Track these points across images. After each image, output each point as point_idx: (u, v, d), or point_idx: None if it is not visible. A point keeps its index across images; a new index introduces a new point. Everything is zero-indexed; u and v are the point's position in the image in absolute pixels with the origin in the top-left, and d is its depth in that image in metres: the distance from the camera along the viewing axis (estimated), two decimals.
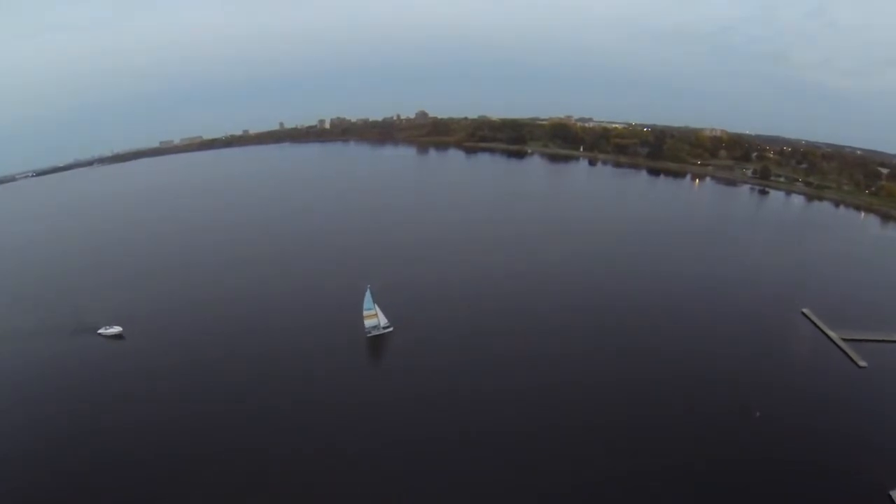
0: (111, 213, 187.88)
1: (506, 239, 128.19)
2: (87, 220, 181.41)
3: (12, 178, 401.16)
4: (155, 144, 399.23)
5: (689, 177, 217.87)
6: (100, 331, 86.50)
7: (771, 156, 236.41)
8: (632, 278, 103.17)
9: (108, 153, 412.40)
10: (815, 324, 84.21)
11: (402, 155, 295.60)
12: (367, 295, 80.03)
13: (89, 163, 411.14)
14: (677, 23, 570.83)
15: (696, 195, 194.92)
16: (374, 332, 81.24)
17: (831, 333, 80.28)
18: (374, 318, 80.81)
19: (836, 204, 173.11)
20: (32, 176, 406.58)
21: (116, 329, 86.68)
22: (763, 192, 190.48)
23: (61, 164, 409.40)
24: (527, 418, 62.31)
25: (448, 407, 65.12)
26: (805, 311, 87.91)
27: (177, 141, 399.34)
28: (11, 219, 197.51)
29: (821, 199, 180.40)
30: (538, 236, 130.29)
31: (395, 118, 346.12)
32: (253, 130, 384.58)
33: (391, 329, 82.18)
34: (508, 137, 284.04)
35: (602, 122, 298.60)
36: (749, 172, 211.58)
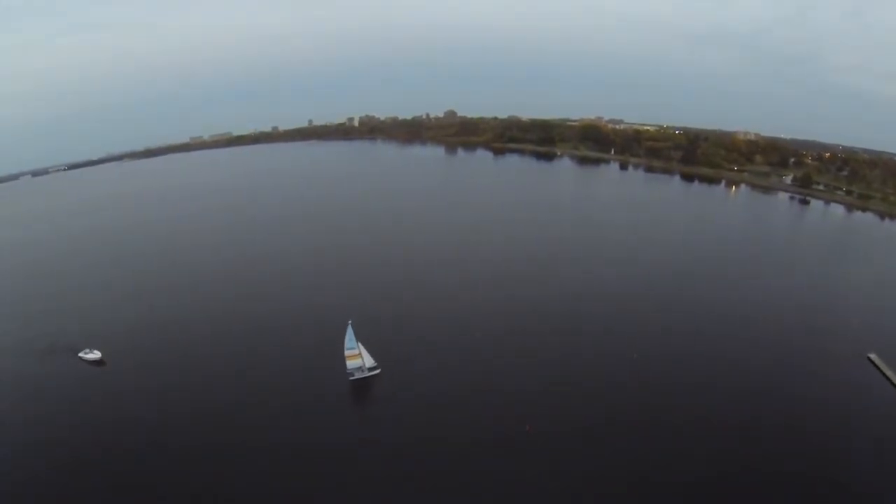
0: (112, 217, 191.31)
1: (526, 257, 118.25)
2: (83, 223, 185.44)
3: (45, 172, 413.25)
4: (185, 140, 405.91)
5: (724, 183, 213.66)
6: (80, 354, 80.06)
7: (810, 162, 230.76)
8: (669, 309, 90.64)
9: (139, 148, 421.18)
10: (884, 374, 69.52)
11: (426, 156, 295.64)
12: (349, 331, 68.97)
13: (119, 157, 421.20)
14: (710, 24, 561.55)
15: (733, 205, 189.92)
16: (359, 375, 70.11)
17: None
18: (358, 358, 69.64)
19: (882, 216, 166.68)
20: (65, 169, 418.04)
21: (96, 354, 79.81)
22: (804, 202, 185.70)
23: (94, 159, 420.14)
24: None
25: (447, 478, 53.00)
26: (871, 356, 72.52)
27: (206, 137, 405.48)
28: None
29: (864, 209, 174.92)
30: (563, 254, 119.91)
31: (424, 117, 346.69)
32: (282, 128, 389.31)
33: (378, 371, 71.21)
34: (538, 138, 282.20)
35: (633, 124, 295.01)
36: (788, 180, 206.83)
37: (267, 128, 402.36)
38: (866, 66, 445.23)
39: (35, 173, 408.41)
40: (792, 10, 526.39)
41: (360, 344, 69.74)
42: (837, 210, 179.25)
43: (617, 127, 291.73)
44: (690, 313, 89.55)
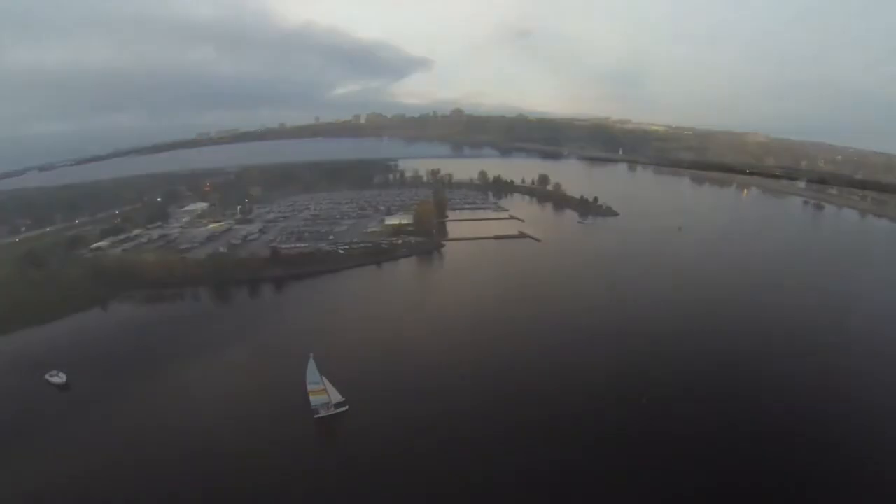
0: None
1: (514, 274, 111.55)
2: None
3: (52, 167, 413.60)
4: (193, 136, 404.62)
5: (734, 185, 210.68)
6: (46, 376, 74.66)
7: (822, 164, 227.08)
8: (671, 311, 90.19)
9: (147, 143, 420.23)
10: None
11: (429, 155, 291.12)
12: (311, 365, 63.63)
13: (127, 153, 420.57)
14: (711, 24, 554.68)
15: (748, 208, 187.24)
16: (324, 413, 64.59)
17: None
18: (323, 393, 64.21)
19: None
20: (72, 164, 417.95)
21: (61, 378, 74.32)
22: (818, 207, 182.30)
23: (102, 154, 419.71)
24: None
25: None
26: None
27: (213, 133, 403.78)
28: None
29: (879, 215, 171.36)
30: (558, 269, 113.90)
31: (430, 115, 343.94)
32: (290, 124, 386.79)
33: (346, 408, 65.12)
34: (545, 138, 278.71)
35: (642, 124, 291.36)
36: (803, 183, 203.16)
37: (274, 124, 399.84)
38: (874, 67, 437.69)
39: (42, 168, 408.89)
40: (795, 10, 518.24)
41: (324, 378, 64.42)
42: (851, 215, 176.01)
43: (625, 127, 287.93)
44: (693, 315, 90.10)
